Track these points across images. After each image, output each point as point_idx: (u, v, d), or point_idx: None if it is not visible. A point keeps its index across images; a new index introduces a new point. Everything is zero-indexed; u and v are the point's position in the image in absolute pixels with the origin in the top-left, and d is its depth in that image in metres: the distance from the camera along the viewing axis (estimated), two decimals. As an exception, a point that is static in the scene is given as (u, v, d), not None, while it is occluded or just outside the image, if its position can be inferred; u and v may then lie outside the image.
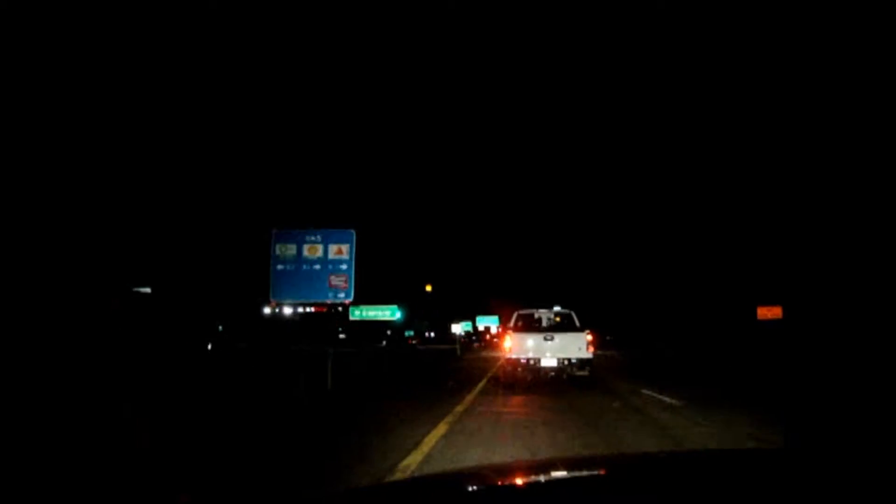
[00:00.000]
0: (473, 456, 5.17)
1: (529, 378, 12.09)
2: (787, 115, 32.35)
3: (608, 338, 58.87)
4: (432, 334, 65.15)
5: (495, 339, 64.13)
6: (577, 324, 13.37)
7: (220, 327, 47.55)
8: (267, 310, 48.57)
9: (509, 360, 12.22)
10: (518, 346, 12.18)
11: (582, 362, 11.86)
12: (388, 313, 32.10)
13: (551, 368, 11.94)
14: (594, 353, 12.31)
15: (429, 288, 38.17)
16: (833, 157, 27.69)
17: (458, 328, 39.55)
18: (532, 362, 11.99)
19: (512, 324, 13.82)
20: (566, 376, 11.94)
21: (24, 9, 25.52)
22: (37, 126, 26.62)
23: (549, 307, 14.80)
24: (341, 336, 62.99)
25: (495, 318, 62.35)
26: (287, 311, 48.93)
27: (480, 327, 69.62)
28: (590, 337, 12.17)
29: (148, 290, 34.38)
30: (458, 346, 36.90)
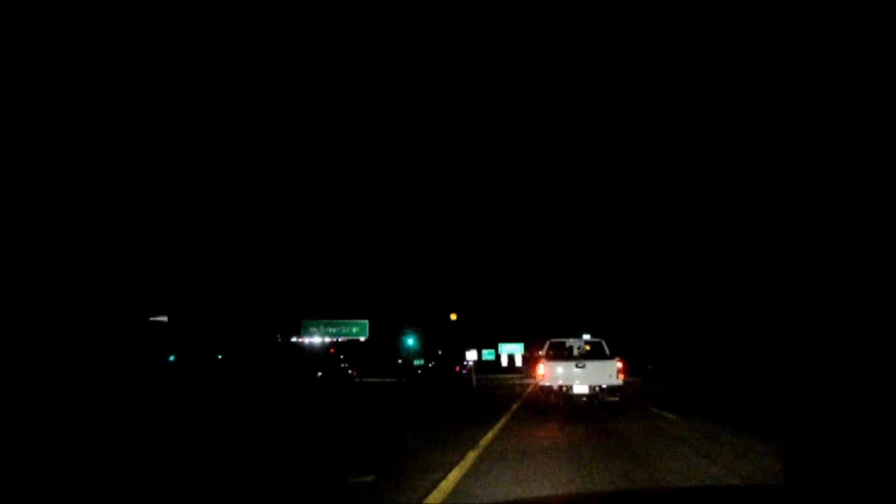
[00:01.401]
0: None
1: (562, 404, 13.84)
2: (791, 121, 33.43)
3: (649, 367, 55.42)
4: (421, 361, 64.82)
5: (519, 367, 64.35)
6: (608, 352, 14.87)
7: (220, 356, 45.85)
8: (294, 338, 49.55)
9: (542, 387, 13.94)
10: (550, 374, 13.76)
11: (612, 389, 13.19)
12: (356, 330, 27.66)
13: (583, 395, 13.32)
14: (624, 381, 13.58)
15: (453, 317, 38.78)
16: (851, 162, 28.63)
17: (472, 355, 36.48)
18: (564, 389, 13.36)
19: (544, 352, 15.64)
20: (597, 402, 13.69)
21: (24, 9, 26.91)
22: (49, 142, 28.17)
23: (580, 336, 15.99)
24: (343, 365, 62.74)
25: (520, 344, 62.34)
26: (315, 340, 50.17)
27: (503, 355, 69.12)
28: (620, 364, 13.37)
29: (164, 318, 35.58)
30: (472, 377, 34.29)
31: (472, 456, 7.37)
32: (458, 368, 65.90)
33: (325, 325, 26.57)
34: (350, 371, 46.61)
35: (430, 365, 62.79)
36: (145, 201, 35.35)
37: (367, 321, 26.94)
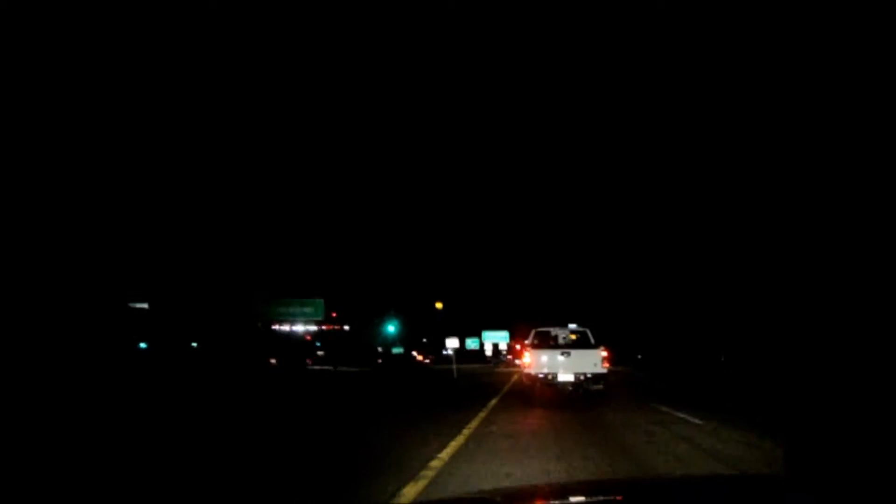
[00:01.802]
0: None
1: (547, 392, 13.20)
2: (792, 119, 33.04)
3: (638, 356, 55.83)
4: (401, 349, 64.13)
5: (498, 356, 63.92)
6: (592, 341, 14.97)
7: (195, 344, 44.59)
8: (276, 326, 48.93)
9: (528, 375, 13.53)
10: (536, 362, 13.40)
11: (597, 377, 13.19)
12: (309, 310, 26.69)
13: (568, 383, 13.24)
14: (609, 369, 13.92)
15: (439, 305, 37.98)
16: (848, 161, 28.22)
17: (453, 343, 34.25)
18: (550, 377, 13.22)
19: (529, 341, 15.24)
20: (582, 391, 13.32)
21: (24, 9, 26.39)
22: (32, 134, 27.47)
23: (565, 325, 15.76)
24: (319, 353, 62.58)
25: (505, 333, 61.65)
26: (296, 328, 48.80)
27: (488, 344, 68.82)
28: (604, 353, 13.60)
29: (145, 305, 34.83)
30: (454, 367, 32.27)
31: (407, 497, 4.72)
32: (421, 357, 64.82)
33: (277, 305, 25.40)
34: (307, 360, 43.45)
35: (391, 353, 62.14)
36: (133, 191, 34.86)
37: (321, 300, 25.93)
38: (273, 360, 39.44)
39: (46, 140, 28.63)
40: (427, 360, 64.25)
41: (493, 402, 13.87)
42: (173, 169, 40.64)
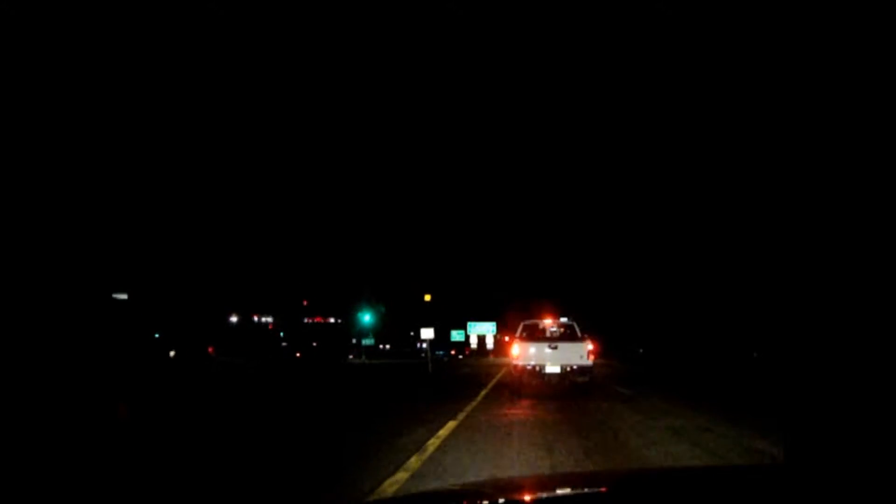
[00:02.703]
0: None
1: (534, 383, 14.19)
2: (790, 118, 33.82)
3: (640, 350, 53.71)
4: (371, 341, 63.51)
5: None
6: (579, 333, 15.59)
7: (157, 335, 42.59)
8: (256, 318, 49.07)
9: (516, 366, 14.34)
10: (524, 354, 14.19)
11: (583, 369, 13.93)
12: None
13: (555, 375, 14.01)
14: (594, 361, 14.47)
15: (428, 298, 38.50)
16: (849, 161, 28.90)
17: (428, 334, 30.82)
18: (537, 369, 14.00)
19: (518, 333, 15.97)
20: (568, 382, 14.11)
21: (24, 9, 26.82)
22: (14, 128, 27.88)
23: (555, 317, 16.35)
24: (284, 344, 62.44)
25: (492, 324, 60.85)
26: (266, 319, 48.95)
27: (473, 336, 68.29)
28: (591, 346, 14.30)
29: (125, 296, 35.19)
30: (428, 362, 30.66)
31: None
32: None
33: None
34: (209, 350, 40.33)
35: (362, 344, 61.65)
36: (118, 183, 35.27)
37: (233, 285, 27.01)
38: (172, 352, 36.25)
39: (30, 134, 29.02)
40: (351, 356, 61.51)
41: (447, 427, 8.15)
42: (157, 160, 41.05)
